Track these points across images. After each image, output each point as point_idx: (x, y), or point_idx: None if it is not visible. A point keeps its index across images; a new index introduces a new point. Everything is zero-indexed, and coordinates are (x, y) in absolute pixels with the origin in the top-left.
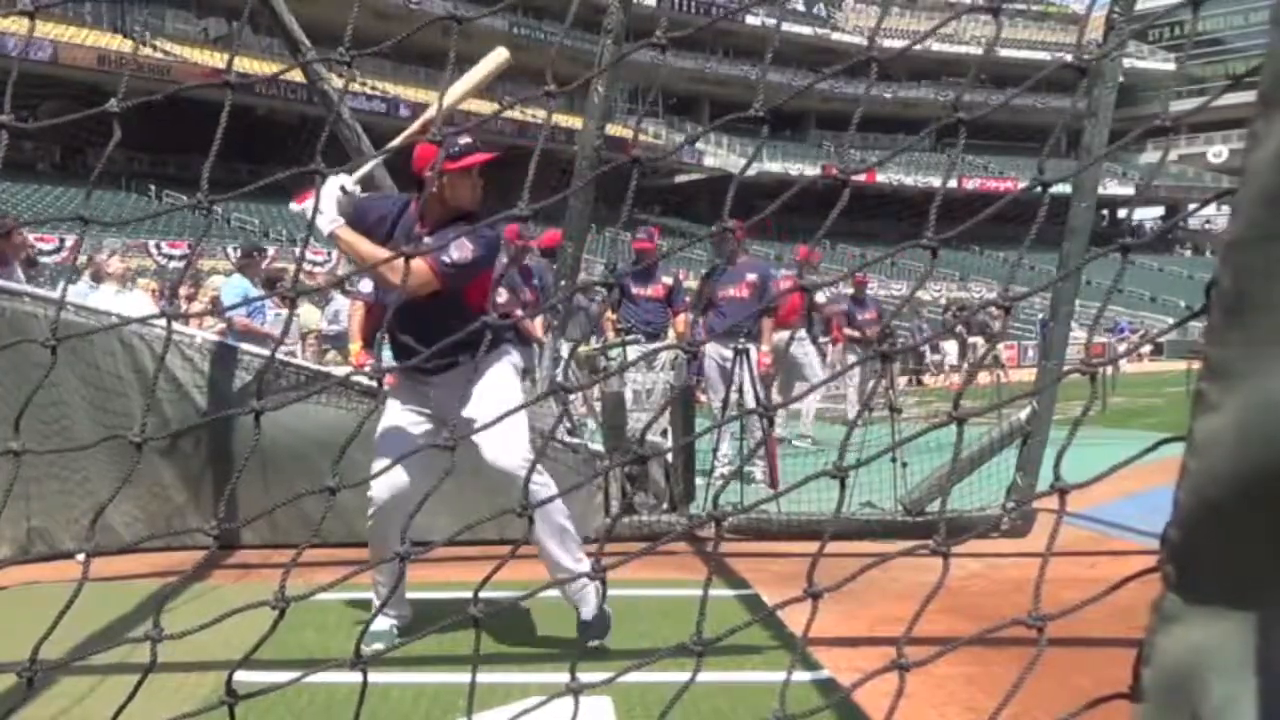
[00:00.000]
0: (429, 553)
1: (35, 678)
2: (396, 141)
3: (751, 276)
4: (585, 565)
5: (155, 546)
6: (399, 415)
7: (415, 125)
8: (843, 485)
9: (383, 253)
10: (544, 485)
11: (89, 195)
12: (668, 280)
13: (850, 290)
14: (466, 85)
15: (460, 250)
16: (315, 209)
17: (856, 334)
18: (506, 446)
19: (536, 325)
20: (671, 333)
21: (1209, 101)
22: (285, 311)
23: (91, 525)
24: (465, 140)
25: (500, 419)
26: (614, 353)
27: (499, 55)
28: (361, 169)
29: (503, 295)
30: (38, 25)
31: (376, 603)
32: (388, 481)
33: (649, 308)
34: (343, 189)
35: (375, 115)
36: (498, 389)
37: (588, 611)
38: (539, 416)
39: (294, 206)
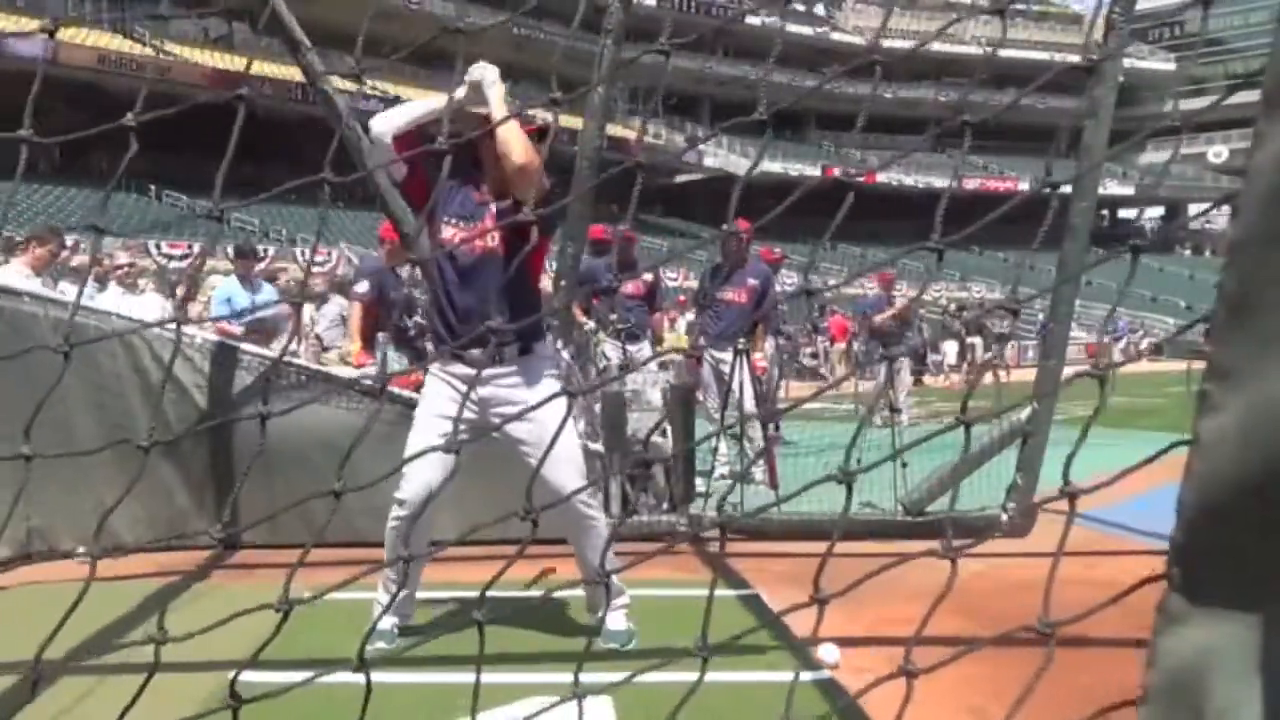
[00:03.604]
0: (439, 552)
1: (39, 680)
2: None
3: (752, 281)
4: (620, 588)
5: (158, 546)
6: (437, 416)
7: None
8: (850, 489)
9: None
10: (599, 518)
11: (105, 200)
12: (648, 277)
13: (876, 289)
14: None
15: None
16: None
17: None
18: (566, 478)
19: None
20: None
21: (1219, 101)
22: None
23: (97, 533)
24: (527, 112)
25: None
26: (600, 349)
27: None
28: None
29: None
30: (37, 25)
31: (382, 601)
32: (418, 483)
33: (628, 305)
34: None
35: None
36: (556, 412)
37: (614, 624)
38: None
39: (416, 109)
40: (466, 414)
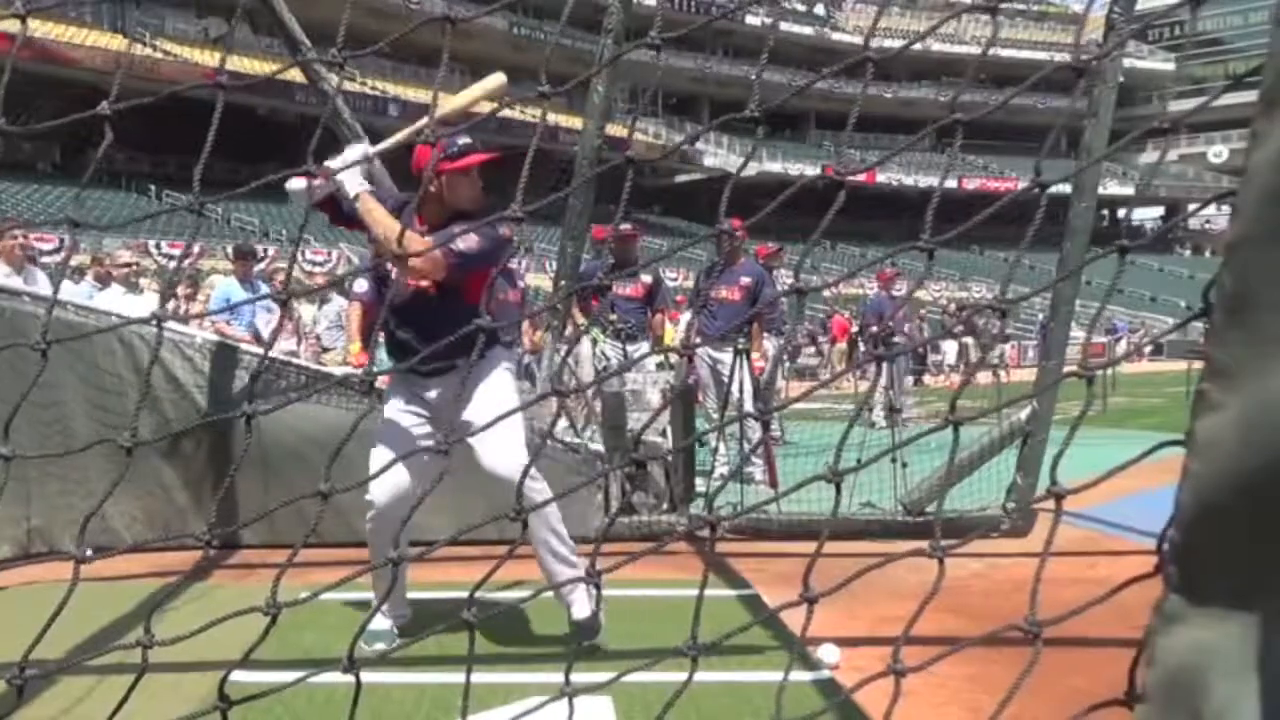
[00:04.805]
0: (431, 553)
1: (26, 684)
2: (400, 136)
3: (745, 280)
4: (579, 567)
5: (156, 546)
6: (397, 417)
7: (412, 128)
8: (839, 489)
9: (400, 226)
10: (539, 490)
11: (79, 197)
12: (646, 279)
13: (877, 289)
14: (458, 103)
15: (466, 242)
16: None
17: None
18: (502, 451)
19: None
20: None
21: (1208, 101)
22: (277, 314)
23: (82, 531)
24: (464, 140)
25: (495, 422)
26: (599, 348)
27: (495, 79)
28: (385, 143)
29: (514, 295)
30: (37, 25)
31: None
32: (387, 483)
33: (626, 307)
34: (366, 157)
35: (364, 114)
36: (494, 393)
37: (579, 611)
38: (540, 417)
39: (293, 185)
40: (422, 420)
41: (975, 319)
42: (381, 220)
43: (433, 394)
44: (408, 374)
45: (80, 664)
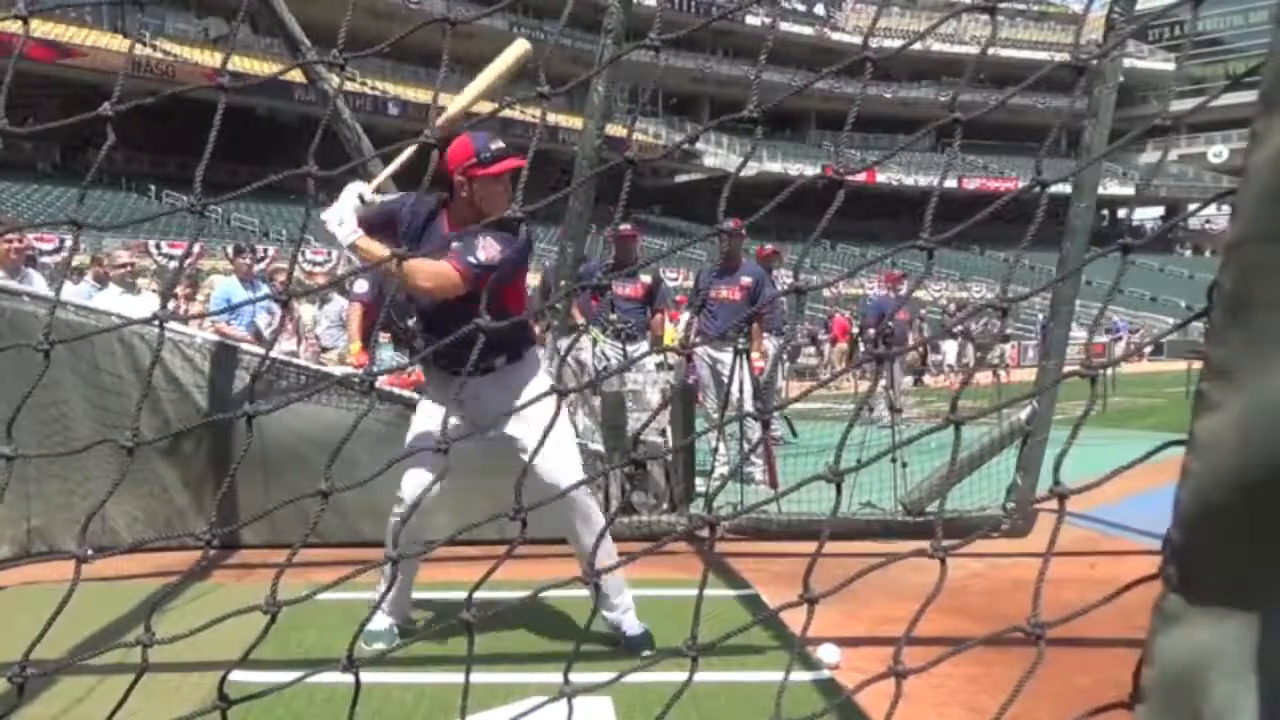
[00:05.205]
0: (430, 553)
1: (27, 682)
2: (393, 167)
3: (746, 279)
4: (625, 591)
5: (156, 546)
6: (432, 418)
7: (409, 151)
8: (839, 488)
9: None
10: (592, 509)
11: (83, 199)
12: (646, 279)
13: (885, 291)
14: (488, 79)
15: (486, 251)
16: (326, 218)
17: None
18: (560, 468)
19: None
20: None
21: (1208, 101)
22: (278, 314)
23: (82, 531)
24: (498, 145)
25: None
26: (599, 348)
27: (519, 47)
28: (379, 177)
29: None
30: (37, 24)
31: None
32: (417, 481)
33: (626, 307)
34: (361, 198)
35: (362, 113)
36: (542, 405)
37: (630, 628)
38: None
39: (325, 214)
40: (457, 423)
41: (971, 323)
42: (381, 259)
43: (467, 395)
44: (442, 375)
45: (80, 664)
